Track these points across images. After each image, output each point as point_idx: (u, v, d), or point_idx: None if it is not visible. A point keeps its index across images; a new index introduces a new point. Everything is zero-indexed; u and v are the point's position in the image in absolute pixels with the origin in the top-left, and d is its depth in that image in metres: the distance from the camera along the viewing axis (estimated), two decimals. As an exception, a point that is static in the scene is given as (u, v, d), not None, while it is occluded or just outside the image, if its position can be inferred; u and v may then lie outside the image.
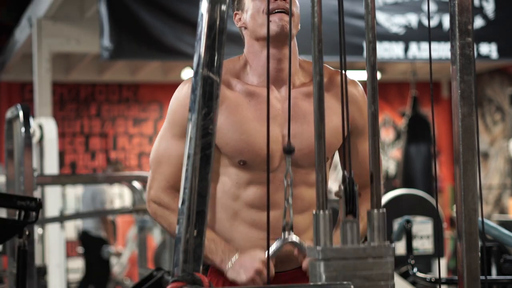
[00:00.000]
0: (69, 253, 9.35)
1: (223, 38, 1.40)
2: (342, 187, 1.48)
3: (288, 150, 1.66)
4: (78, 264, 9.51)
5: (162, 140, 2.14)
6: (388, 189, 6.84)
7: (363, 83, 1.82)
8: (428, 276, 3.73)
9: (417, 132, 8.35)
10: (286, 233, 1.90)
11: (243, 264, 1.98)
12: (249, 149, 2.07)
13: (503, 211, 9.82)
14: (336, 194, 1.49)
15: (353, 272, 1.45)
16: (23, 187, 3.52)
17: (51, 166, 5.72)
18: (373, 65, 1.55)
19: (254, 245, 2.10)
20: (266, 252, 1.97)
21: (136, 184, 5.04)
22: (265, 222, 2.07)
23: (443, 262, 5.55)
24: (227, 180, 2.11)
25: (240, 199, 2.11)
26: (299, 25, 2.13)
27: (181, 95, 2.11)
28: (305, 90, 2.13)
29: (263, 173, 2.07)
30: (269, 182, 2.03)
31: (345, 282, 1.45)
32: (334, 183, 9.39)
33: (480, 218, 1.54)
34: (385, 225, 1.52)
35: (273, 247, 1.95)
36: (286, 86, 2.10)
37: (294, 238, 1.91)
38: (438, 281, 2.85)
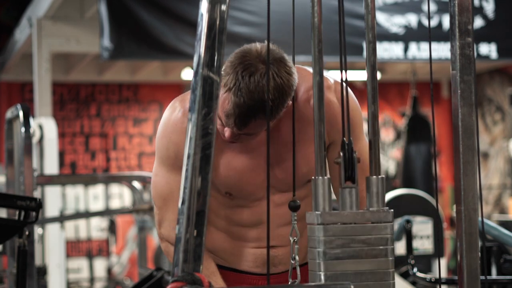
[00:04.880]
0: (69, 253, 9.35)
1: (223, 38, 1.40)
2: (341, 154, 1.49)
3: (294, 207, 1.70)
4: (78, 264, 9.51)
5: (159, 177, 2.09)
6: (388, 189, 6.84)
7: (363, 83, 1.82)
8: (428, 276, 3.74)
9: (417, 132, 8.35)
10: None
11: None
12: (236, 183, 2.06)
13: (503, 211, 9.81)
14: (335, 161, 1.50)
15: (351, 236, 1.47)
16: (23, 187, 3.52)
17: (51, 166, 5.71)
18: (373, 65, 1.55)
19: (241, 252, 2.12)
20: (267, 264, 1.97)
21: (136, 184, 5.03)
22: (253, 237, 2.08)
23: (443, 262, 5.55)
24: (214, 202, 2.11)
25: (228, 218, 2.12)
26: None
27: (167, 128, 2.06)
28: (285, 111, 2.04)
29: (250, 201, 2.08)
30: (257, 205, 2.04)
31: (345, 282, 1.45)
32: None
33: (480, 218, 1.54)
34: (384, 191, 1.53)
35: None
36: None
37: None
38: (438, 281, 2.85)
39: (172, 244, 2.09)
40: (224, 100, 1.89)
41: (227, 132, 1.95)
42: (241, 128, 1.92)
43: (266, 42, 1.92)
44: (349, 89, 2.11)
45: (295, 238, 1.85)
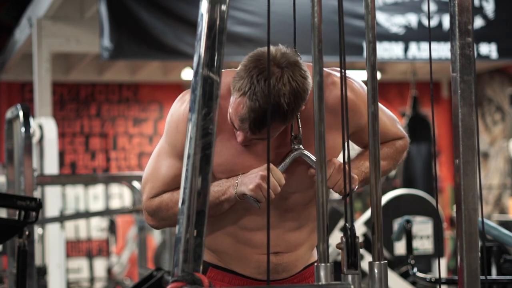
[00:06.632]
0: (69, 253, 9.35)
1: (223, 38, 1.40)
2: (343, 239, 1.48)
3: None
4: (78, 264, 9.51)
5: (157, 157, 2.11)
6: (388, 189, 6.83)
7: (363, 83, 1.82)
8: (428, 276, 3.73)
9: (417, 132, 8.35)
10: (295, 145, 1.94)
11: (248, 176, 1.99)
12: None
13: (503, 211, 9.81)
14: (338, 246, 1.50)
15: None
16: (23, 187, 3.52)
17: (51, 166, 5.71)
18: (373, 65, 1.55)
19: (244, 258, 2.11)
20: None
21: (136, 184, 5.04)
22: (258, 242, 2.08)
23: (443, 262, 5.55)
24: None
25: (234, 220, 2.11)
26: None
27: (175, 117, 2.07)
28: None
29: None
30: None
31: (345, 282, 1.45)
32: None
33: (480, 218, 1.54)
34: (386, 276, 1.52)
35: (284, 161, 1.99)
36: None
37: (305, 151, 1.96)
38: (438, 281, 2.85)
39: (150, 213, 2.14)
40: (239, 104, 1.88)
41: (239, 136, 1.95)
42: (255, 132, 1.91)
43: (280, 45, 1.92)
44: (359, 81, 2.11)
45: None
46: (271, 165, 1.97)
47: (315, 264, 1.49)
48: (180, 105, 2.06)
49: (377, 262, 1.52)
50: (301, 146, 1.99)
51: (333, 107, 1.97)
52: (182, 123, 2.03)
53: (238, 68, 1.91)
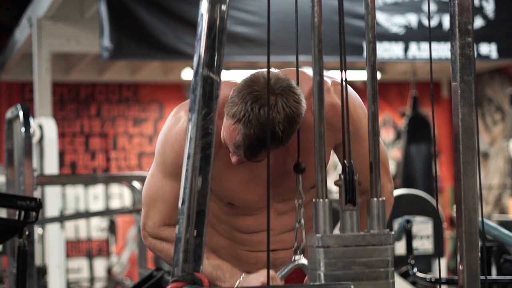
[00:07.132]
0: (69, 253, 9.35)
1: (223, 38, 1.40)
2: (342, 176, 1.49)
3: (299, 169, 1.70)
4: (78, 264, 9.51)
5: (153, 179, 2.09)
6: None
7: (363, 83, 1.82)
8: (428, 276, 3.74)
9: (417, 132, 8.35)
10: (297, 256, 1.92)
11: (250, 281, 1.99)
12: (238, 195, 2.06)
13: (503, 211, 9.81)
14: (336, 183, 1.50)
15: (352, 259, 1.47)
16: (23, 187, 3.51)
17: (51, 166, 5.71)
18: (373, 65, 1.55)
19: (242, 256, 2.12)
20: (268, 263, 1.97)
21: (136, 184, 5.03)
22: (254, 242, 2.08)
23: (443, 262, 5.55)
24: (216, 209, 2.12)
25: (230, 225, 2.12)
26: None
27: (170, 136, 2.04)
28: None
29: (252, 210, 2.08)
30: (259, 214, 2.05)
31: (344, 282, 1.45)
32: (334, 183, 9.38)
33: (480, 218, 1.54)
34: (384, 213, 1.52)
35: (284, 269, 1.97)
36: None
37: (303, 261, 1.92)
38: (438, 281, 2.85)
39: (158, 239, 2.10)
40: (233, 130, 1.86)
41: (234, 158, 1.93)
42: (251, 159, 1.90)
43: (274, 69, 1.91)
44: (350, 88, 2.09)
45: (300, 201, 1.83)
46: (272, 274, 1.94)
47: (313, 200, 1.49)
48: (175, 123, 2.04)
49: (375, 199, 1.52)
50: (302, 256, 1.95)
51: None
52: (178, 143, 2.00)
53: (231, 93, 1.88)
